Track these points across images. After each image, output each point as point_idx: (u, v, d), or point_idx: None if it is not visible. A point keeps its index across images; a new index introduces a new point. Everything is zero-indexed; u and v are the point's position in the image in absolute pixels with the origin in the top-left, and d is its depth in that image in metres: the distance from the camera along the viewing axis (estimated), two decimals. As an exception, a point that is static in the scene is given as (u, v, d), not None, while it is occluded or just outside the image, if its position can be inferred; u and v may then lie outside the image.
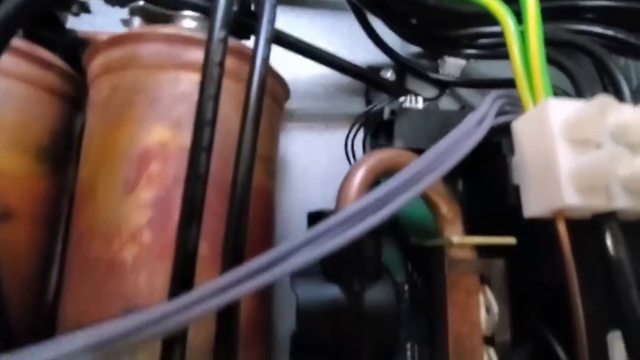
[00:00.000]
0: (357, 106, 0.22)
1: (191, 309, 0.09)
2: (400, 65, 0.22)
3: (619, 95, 0.15)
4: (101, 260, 0.11)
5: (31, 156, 0.14)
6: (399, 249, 0.19)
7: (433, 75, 0.22)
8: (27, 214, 0.14)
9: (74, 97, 0.16)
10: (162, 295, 0.10)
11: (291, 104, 0.22)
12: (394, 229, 0.19)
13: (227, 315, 0.10)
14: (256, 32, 0.12)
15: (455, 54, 0.22)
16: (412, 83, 0.23)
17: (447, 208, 0.16)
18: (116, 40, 0.13)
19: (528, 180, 0.14)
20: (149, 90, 0.12)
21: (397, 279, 0.18)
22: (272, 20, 0.12)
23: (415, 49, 0.23)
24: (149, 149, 0.12)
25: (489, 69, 0.23)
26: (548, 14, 0.19)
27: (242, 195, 0.10)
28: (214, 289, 0.09)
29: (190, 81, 0.13)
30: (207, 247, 0.12)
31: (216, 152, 0.12)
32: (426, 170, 0.11)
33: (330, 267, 0.14)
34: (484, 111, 0.13)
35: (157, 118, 0.12)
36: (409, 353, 0.18)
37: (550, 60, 0.17)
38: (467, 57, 0.22)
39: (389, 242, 0.19)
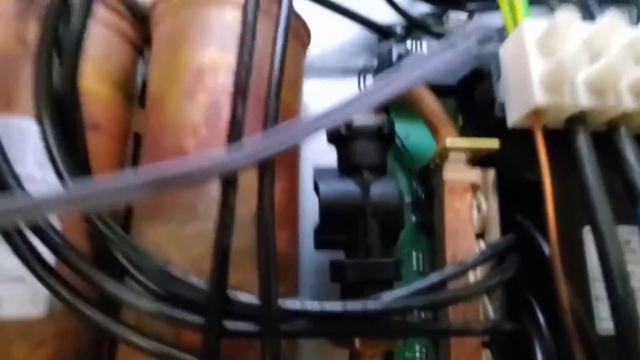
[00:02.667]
0: (369, 60, 0.25)
1: (241, 158, 0.12)
2: (409, 22, 0.25)
3: (590, 16, 0.17)
4: (170, 148, 0.15)
5: (110, 84, 0.18)
6: (406, 174, 0.22)
7: (438, 30, 0.25)
8: (107, 129, 0.18)
9: (138, 44, 0.20)
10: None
11: (309, 59, 0.25)
12: (402, 158, 0.22)
13: (265, 178, 0.13)
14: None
15: (458, 7, 0.25)
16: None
17: (445, 129, 0.19)
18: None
19: (510, 94, 0.16)
20: (201, 22, 0.16)
21: (405, 199, 0.21)
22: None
23: (421, 9, 0.26)
24: (203, 66, 0.15)
25: (492, 22, 0.26)
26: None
27: (275, 92, 0.14)
28: (258, 142, 0.12)
29: (232, 15, 0.16)
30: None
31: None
32: (416, 66, 0.13)
33: (345, 164, 0.17)
34: (468, 31, 0.16)
35: (208, 42, 0.16)
36: (414, 261, 0.21)
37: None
38: (470, 12, 0.25)
39: (399, 170, 0.22)
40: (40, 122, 0.13)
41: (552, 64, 0.14)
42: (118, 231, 0.12)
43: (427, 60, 0.15)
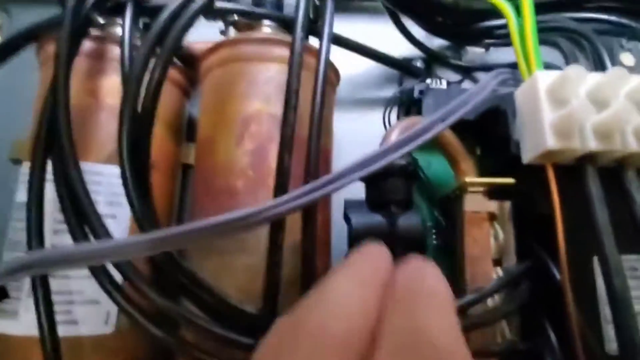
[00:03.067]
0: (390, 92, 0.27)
1: (286, 204, 0.14)
2: (428, 55, 0.27)
3: (602, 65, 0.19)
4: (222, 188, 0.17)
5: (164, 126, 0.20)
6: (428, 202, 0.24)
7: (456, 63, 0.27)
8: (161, 167, 0.20)
9: (185, 87, 0.22)
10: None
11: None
12: (424, 188, 0.24)
13: (309, 220, 0.15)
14: (320, 34, 0.18)
15: (475, 44, 0.26)
16: (438, 72, 0.27)
17: (464, 163, 0.21)
18: (224, 43, 0.19)
19: (524, 135, 0.18)
20: (247, 75, 0.18)
21: (428, 224, 0.23)
22: (332, 24, 0.18)
23: (439, 41, 0.27)
24: (250, 115, 0.18)
25: (506, 55, 0.27)
26: (555, 6, 0.23)
27: (315, 142, 0.16)
28: (302, 191, 0.14)
29: (274, 69, 0.18)
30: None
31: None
32: (444, 116, 0.15)
33: (374, 200, 0.19)
34: (488, 79, 0.18)
35: (254, 94, 0.18)
36: (436, 281, 0.23)
37: (547, 42, 0.21)
38: (486, 46, 0.27)
39: (421, 197, 0.24)
40: (122, 167, 0.15)
41: (562, 112, 0.16)
42: (184, 266, 0.15)
43: (459, 105, 0.16)
